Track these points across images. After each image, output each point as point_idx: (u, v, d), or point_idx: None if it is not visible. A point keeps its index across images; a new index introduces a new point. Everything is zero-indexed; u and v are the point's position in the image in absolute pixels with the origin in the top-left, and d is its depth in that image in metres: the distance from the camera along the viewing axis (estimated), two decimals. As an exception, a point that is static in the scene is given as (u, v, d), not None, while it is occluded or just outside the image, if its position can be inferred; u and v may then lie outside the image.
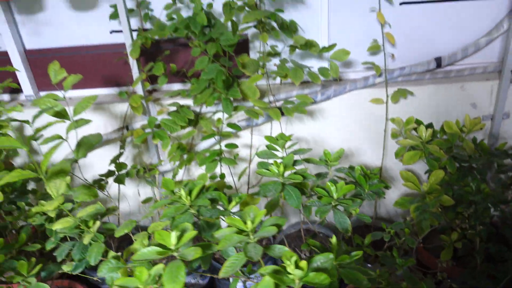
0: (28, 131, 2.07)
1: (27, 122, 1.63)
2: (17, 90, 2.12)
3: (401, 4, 1.84)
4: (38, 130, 1.58)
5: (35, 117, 1.46)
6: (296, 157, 1.41)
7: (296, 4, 1.85)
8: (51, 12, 1.94)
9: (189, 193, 1.17)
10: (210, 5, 1.77)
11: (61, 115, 1.45)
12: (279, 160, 1.33)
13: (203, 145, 1.99)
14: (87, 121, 1.50)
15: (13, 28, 1.96)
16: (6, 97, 2.16)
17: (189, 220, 1.12)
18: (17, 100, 2.14)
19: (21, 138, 1.10)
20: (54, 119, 1.41)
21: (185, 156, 1.86)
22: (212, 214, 1.14)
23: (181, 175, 2.12)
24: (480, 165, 1.71)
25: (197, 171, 2.14)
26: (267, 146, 1.51)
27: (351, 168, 1.59)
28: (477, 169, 1.71)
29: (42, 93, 2.11)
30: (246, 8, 1.64)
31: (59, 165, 1.23)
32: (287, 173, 1.26)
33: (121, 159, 1.92)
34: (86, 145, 1.49)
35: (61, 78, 1.49)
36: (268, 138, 1.52)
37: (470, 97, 1.94)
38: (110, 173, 1.85)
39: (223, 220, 1.14)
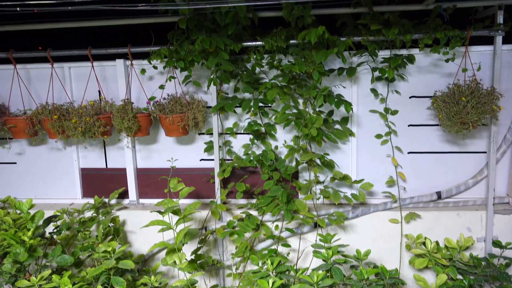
0: (128, 226, 2.76)
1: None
2: (123, 196, 2.89)
3: (408, 153, 2.63)
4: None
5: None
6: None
7: (334, 148, 2.66)
8: (161, 144, 2.82)
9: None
10: (276, 147, 2.60)
11: (176, 212, 2.16)
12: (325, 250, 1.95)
13: (261, 246, 2.61)
14: (190, 219, 2.19)
15: (134, 153, 2.82)
16: (113, 201, 2.92)
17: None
18: (122, 204, 2.89)
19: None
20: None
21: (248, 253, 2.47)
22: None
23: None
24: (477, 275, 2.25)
25: (252, 266, 2.70)
26: (316, 245, 2.14)
27: (375, 266, 2.17)
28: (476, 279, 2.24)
29: (141, 200, 2.87)
30: (300, 152, 2.45)
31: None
32: (333, 258, 1.87)
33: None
34: (191, 234, 2.16)
35: (179, 189, 2.24)
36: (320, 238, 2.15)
37: (465, 222, 2.56)
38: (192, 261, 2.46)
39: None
